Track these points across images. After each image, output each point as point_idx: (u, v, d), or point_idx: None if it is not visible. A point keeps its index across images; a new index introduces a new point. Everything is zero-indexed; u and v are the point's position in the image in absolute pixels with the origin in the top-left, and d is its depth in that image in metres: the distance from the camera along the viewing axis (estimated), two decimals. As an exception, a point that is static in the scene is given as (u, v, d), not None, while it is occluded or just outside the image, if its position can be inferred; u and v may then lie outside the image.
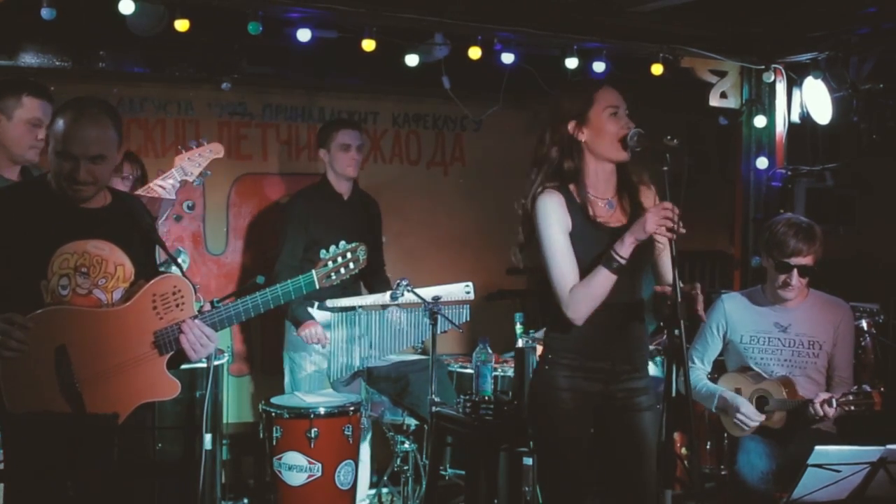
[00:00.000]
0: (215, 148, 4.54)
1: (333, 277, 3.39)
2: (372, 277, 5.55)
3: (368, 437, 5.49)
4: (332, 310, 5.16)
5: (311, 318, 5.24)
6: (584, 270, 3.44)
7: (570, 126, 3.50)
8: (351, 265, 3.42)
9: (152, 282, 3.19)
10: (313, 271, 3.37)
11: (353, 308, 5.14)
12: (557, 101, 3.58)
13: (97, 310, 3.14)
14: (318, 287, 3.37)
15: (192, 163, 4.45)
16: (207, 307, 3.26)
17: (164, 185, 4.38)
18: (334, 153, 5.42)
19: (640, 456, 3.52)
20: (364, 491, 5.50)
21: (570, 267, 3.46)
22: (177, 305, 3.20)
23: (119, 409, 3.11)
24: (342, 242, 3.43)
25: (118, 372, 3.12)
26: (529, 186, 3.58)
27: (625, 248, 3.35)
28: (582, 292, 3.43)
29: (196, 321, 3.19)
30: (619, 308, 3.50)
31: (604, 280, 3.39)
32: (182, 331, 3.18)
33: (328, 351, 5.21)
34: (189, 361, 3.27)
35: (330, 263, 3.39)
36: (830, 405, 4.05)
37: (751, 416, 4.24)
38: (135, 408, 3.17)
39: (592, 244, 3.45)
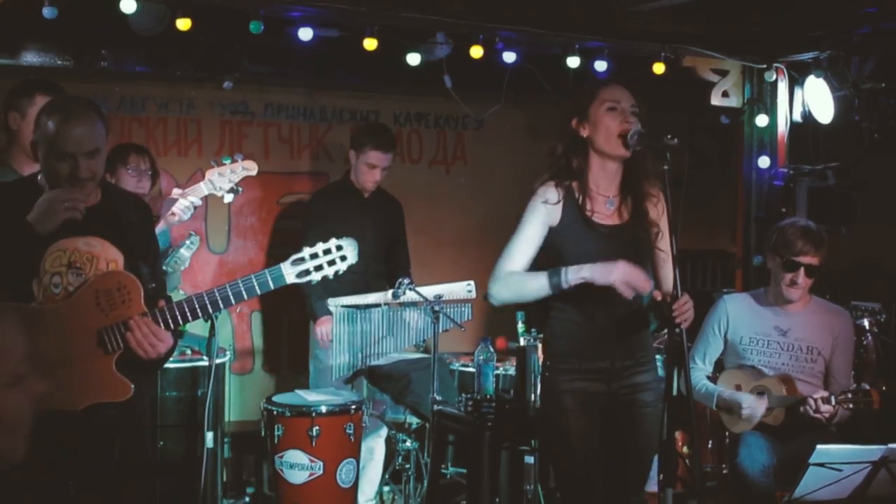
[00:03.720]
0: (248, 164, 4.46)
1: (313, 274, 3.24)
2: (398, 277, 5.54)
3: (383, 433, 5.50)
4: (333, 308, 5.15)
5: (328, 313, 5.20)
6: (569, 264, 3.45)
7: (573, 122, 3.53)
8: (337, 262, 3.28)
9: (95, 277, 3.10)
10: (281, 265, 3.23)
11: (355, 306, 5.14)
12: (568, 99, 3.63)
13: (37, 306, 3.07)
14: (287, 282, 3.20)
15: (222, 178, 4.39)
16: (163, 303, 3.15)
17: (187, 203, 4.33)
18: (360, 165, 5.46)
19: (636, 451, 3.54)
20: (374, 487, 5.51)
21: (523, 253, 3.54)
22: (122, 302, 3.09)
23: (65, 405, 3.00)
24: (332, 239, 3.31)
25: (58, 368, 3.02)
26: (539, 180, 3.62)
27: (572, 278, 3.40)
28: (515, 281, 3.51)
29: (144, 318, 3.08)
30: (613, 306, 3.52)
31: (538, 288, 3.48)
32: (129, 328, 3.07)
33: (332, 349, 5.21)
34: (146, 362, 3.14)
35: (307, 258, 3.23)
36: (828, 402, 4.07)
37: (754, 405, 4.25)
38: (86, 407, 3.06)
39: (582, 240, 3.47)
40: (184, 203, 4.36)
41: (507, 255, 3.55)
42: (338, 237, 3.29)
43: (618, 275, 3.33)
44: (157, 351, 3.10)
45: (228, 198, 4.46)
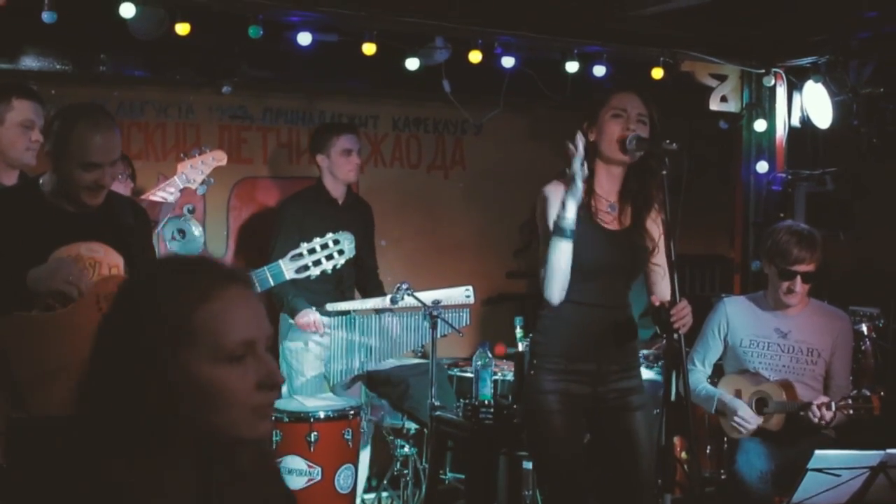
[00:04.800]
0: (218, 155, 4.53)
1: (311, 269, 3.24)
2: (366, 282, 5.54)
3: (368, 439, 5.49)
4: (331, 314, 5.15)
5: (308, 306, 5.17)
6: (575, 266, 3.45)
7: (584, 126, 3.56)
8: (335, 256, 3.28)
9: (96, 282, 3.12)
10: (280, 261, 3.22)
11: (350, 312, 5.14)
12: (582, 103, 3.67)
13: (40, 314, 3.09)
14: (287, 278, 3.20)
15: (194, 170, 4.45)
16: None
17: (165, 196, 4.37)
18: (335, 159, 5.39)
19: (636, 455, 3.55)
20: (359, 494, 5.50)
21: None
22: None
23: (68, 411, 3.03)
24: (328, 234, 3.30)
25: (64, 374, 3.03)
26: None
27: (568, 210, 3.38)
28: (545, 269, 3.46)
29: None
30: (603, 310, 3.53)
31: (556, 250, 3.41)
32: None
33: (327, 356, 5.20)
34: None
35: (305, 254, 3.23)
36: (829, 408, 4.07)
37: (748, 419, 4.25)
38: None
39: (587, 242, 3.46)
40: (170, 188, 4.38)
41: (543, 260, 3.51)
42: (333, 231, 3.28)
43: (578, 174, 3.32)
44: None
45: (202, 189, 4.51)
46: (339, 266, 3.30)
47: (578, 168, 3.33)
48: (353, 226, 5.42)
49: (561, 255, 3.42)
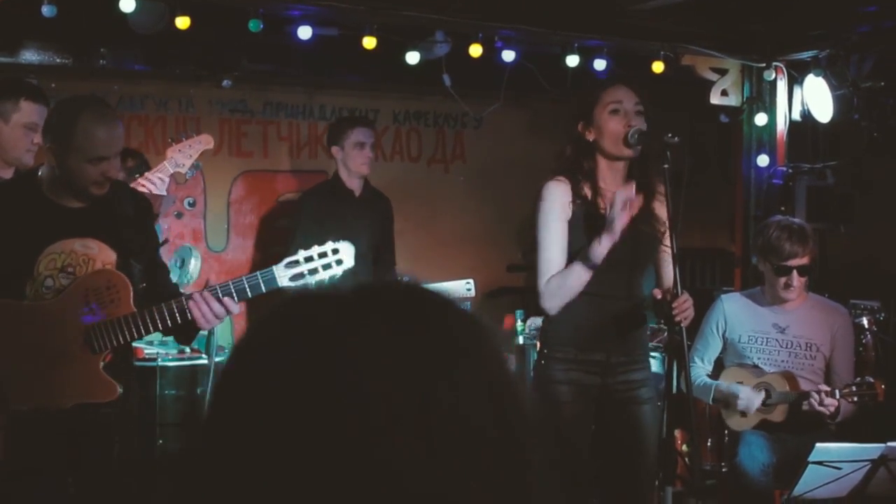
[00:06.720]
0: (205, 139, 4.53)
1: (307, 277, 3.09)
2: (383, 275, 5.53)
3: None
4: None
5: None
6: (577, 258, 3.45)
7: (580, 126, 3.53)
8: (333, 265, 3.14)
9: (85, 275, 3.09)
10: (274, 267, 3.08)
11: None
12: (574, 101, 3.64)
13: (23, 303, 3.06)
14: (280, 285, 3.06)
15: (183, 154, 4.44)
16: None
17: (154, 180, 4.36)
18: (349, 151, 5.42)
19: (641, 448, 3.55)
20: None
21: (557, 256, 3.49)
22: (111, 301, 3.07)
23: (49, 404, 3.00)
24: (328, 241, 3.19)
25: (46, 367, 3.01)
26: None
27: (602, 248, 3.37)
28: (556, 284, 3.46)
29: (204, 294, 3.08)
30: (615, 301, 3.53)
31: (578, 276, 3.42)
32: (194, 300, 3.06)
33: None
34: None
35: (302, 261, 3.11)
36: (832, 395, 4.07)
37: (750, 396, 4.23)
38: (83, 407, 3.04)
39: (593, 235, 3.46)
40: (160, 173, 4.37)
41: (541, 267, 3.51)
42: (333, 239, 3.17)
43: (619, 202, 3.32)
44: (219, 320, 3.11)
45: (190, 173, 4.51)
46: (337, 276, 3.11)
47: (618, 214, 3.31)
48: (371, 218, 5.45)
49: (578, 280, 3.43)
